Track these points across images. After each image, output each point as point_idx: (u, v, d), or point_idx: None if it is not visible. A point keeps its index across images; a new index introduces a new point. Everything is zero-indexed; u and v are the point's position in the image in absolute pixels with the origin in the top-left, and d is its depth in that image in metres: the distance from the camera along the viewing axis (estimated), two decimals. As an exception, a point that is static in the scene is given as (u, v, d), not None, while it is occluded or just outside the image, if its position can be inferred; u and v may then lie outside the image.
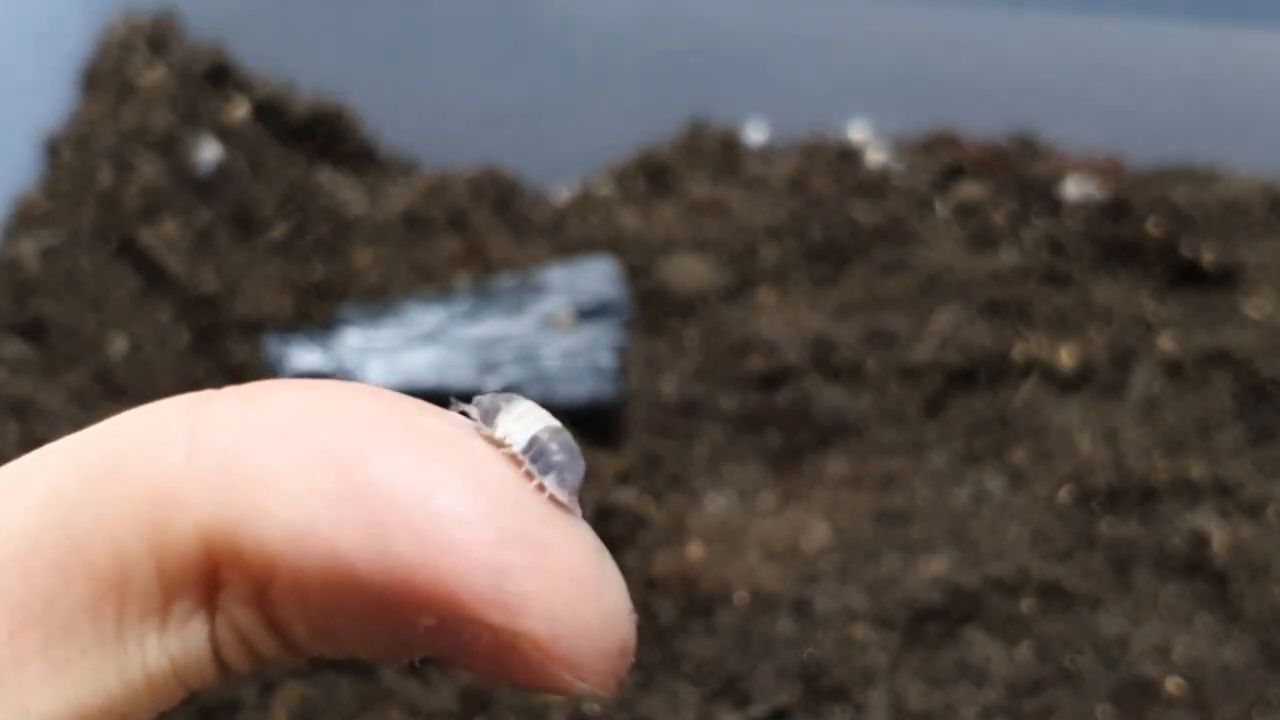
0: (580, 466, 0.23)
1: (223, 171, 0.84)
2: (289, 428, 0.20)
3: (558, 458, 0.23)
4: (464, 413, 0.24)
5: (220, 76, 0.88)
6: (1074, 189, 0.84)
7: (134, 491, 0.20)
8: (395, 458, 0.20)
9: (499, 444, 0.23)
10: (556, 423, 0.24)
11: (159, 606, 0.20)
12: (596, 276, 0.80)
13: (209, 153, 0.84)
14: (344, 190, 0.86)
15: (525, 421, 0.24)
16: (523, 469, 0.23)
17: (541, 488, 0.22)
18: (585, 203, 0.87)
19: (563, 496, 0.23)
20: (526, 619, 0.20)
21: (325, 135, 0.88)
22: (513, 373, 0.75)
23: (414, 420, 0.21)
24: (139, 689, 0.20)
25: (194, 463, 0.20)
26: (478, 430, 0.23)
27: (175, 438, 0.20)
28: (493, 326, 0.77)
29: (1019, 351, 0.77)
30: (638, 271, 0.82)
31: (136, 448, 0.20)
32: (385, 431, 0.20)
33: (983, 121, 0.87)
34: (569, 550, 0.21)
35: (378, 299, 0.80)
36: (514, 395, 0.24)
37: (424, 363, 0.76)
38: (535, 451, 0.23)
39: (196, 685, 0.21)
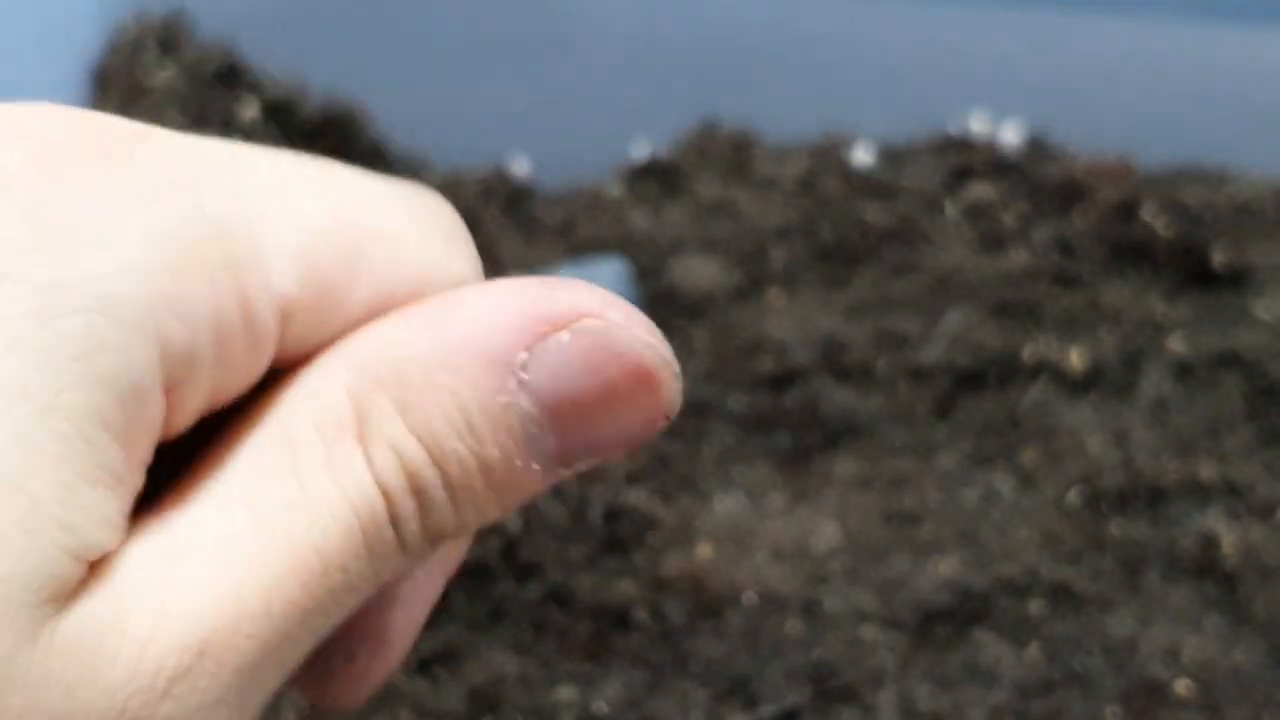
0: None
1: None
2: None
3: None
4: None
5: (231, 77, 0.88)
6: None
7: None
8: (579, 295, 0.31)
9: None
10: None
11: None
12: (606, 277, 0.80)
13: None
14: (354, 191, 0.86)
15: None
16: None
17: None
18: (595, 203, 0.87)
19: None
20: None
21: (335, 136, 0.88)
22: (522, 373, 0.75)
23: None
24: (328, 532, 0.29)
25: None
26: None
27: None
28: (502, 327, 0.77)
29: (1029, 352, 0.77)
30: (647, 272, 0.82)
31: None
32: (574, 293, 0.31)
33: (994, 122, 0.87)
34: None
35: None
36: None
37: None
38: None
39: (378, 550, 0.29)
